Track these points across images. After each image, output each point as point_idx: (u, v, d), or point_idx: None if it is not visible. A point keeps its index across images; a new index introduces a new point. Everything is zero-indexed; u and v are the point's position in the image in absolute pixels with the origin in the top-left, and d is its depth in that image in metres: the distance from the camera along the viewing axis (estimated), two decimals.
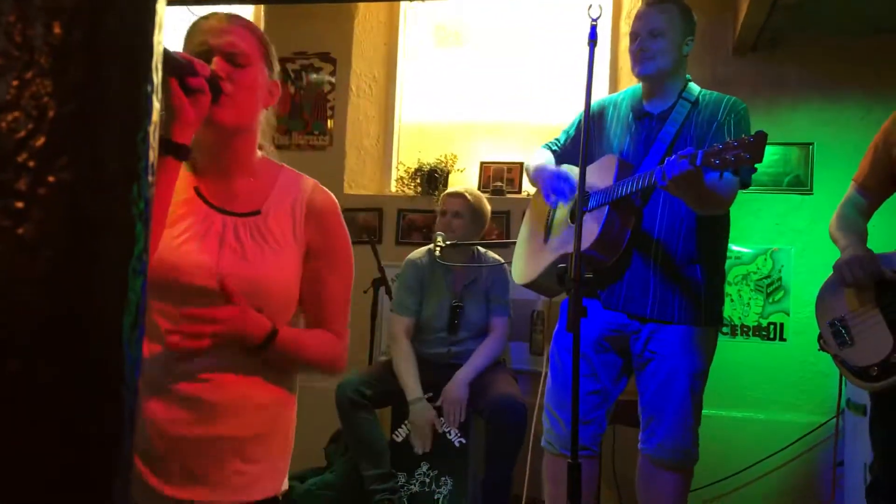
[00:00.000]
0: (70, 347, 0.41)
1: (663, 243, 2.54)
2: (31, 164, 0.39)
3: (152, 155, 0.45)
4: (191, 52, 1.52)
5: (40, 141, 0.39)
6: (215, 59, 1.50)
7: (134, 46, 0.43)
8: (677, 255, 2.54)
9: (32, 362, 0.39)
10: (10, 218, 0.38)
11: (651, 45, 2.55)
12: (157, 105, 0.45)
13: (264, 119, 1.65)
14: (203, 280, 1.50)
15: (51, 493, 0.40)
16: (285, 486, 1.66)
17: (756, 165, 2.12)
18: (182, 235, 1.52)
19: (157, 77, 0.45)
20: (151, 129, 0.45)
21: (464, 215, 3.61)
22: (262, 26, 4.70)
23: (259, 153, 1.66)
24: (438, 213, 3.71)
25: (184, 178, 1.55)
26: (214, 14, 1.56)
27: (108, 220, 0.42)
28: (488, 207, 3.74)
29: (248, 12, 4.86)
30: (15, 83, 0.39)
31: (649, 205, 2.57)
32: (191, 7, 4.33)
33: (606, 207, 2.48)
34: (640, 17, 2.62)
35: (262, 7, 4.79)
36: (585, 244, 2.45)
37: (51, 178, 0.39)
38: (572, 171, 2.69)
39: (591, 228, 2.49)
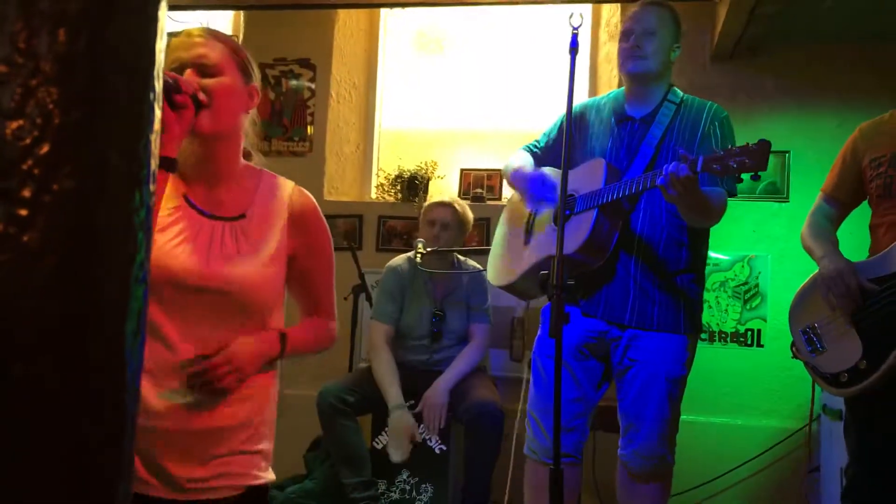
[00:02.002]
0: (73, 354, 0.41)
1: (644, 251, 2.54)
2: (36, 171, 0.39)
3: (154, 163, 0.46)
4: (169, 69, 1.59)
5: (45, 149, 0.39)
6: (187, 72, 1.58)
7: (137, 54, 0.43)
8: (657, 262, 2.54)
9: (36, 368, 0.39)
10: (15, 225, 0.38)
11: (645, 44, 2.54)
12: (158, 113, 0.46)
13: (248, 123, 1.74)
14: (195, 280, 1.59)
15: (53, 498, 0.40)
16: (271, 474, 1.75)
17: (743, 175, 2.13)
18: (175, 239, 1.61)
19: (159, 85, 0.45)
20: (153, 136, 0.45)
21: (452, 226, 3.63)
22: (241, 32, 4.69)
23: (243, 161, 1.75)
24: (424, 222, 3.69)
25: (174, 185, 1.66)
26: (185, 30, 1.66)
27: (112, 228, 0.42)
28: (471, 216, 3.76)
29: (228, 18, 4.85)
30: (19, 91, 0.39)
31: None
32: (171, 14, 4.32)
33: (595, 210, 2.46)
34: (635, 16, 2.60)
35: (241, 13, 4.77)
36: (573, 247, 2.45)
37: (55, 186, 0.39)
38: (554, 173, 2.68)
39: (580, 231, 2.48)
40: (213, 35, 1.64)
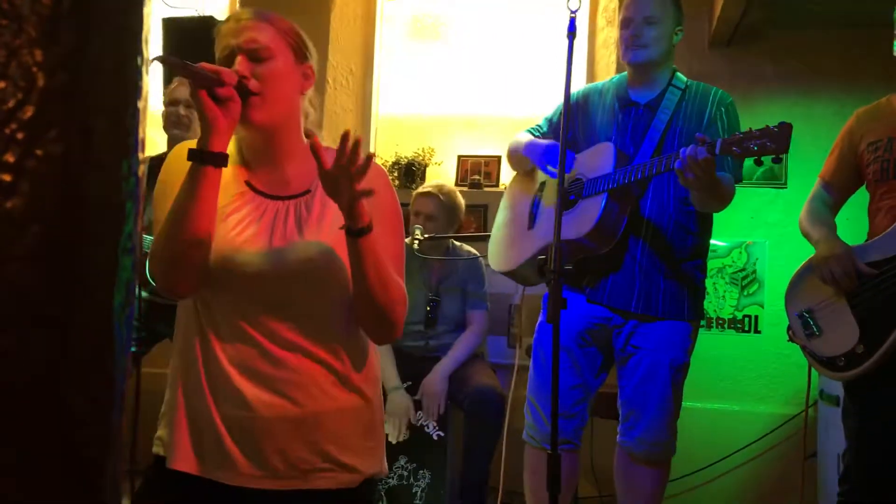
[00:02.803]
0: (60, 324, 0.40)
1: (651, 237, 2.53)
2: (20, 136, 0.38)
3: (142, 131, 0.44)
4: (218, 56, 1.56)
5: (29, 112, 0.38)
6: (238, 59, 1.52)
7: (124, 18, 0.42)
8: (664, 249, 2.53)
9: (23, 338, 0.38)
10: None
11: (645, 33, 2.52)
12: (146, 79, 0.44)
13: (307, 103, 1.68)
14: (257, 266, 1.54)
15: (36, 471, 0.39)
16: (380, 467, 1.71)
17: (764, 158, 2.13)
18: (237, 227, 1.56)
19: (147, 51, 0.44)
20: (141, 103, 0.44)
21: (437, 216, 3.58)
22: None
23: (306, 140, 1.67)
24: (412, 213, 3.66)
25: (237, 174, 1.62)
26: (234, 14, 1.60)
27: (99, 196, 0.41)
28: (461, 201, 3.69)
29: (224, 4, 4.82)
30: (3, 52, 0.37)
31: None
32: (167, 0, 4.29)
33: (605, 195, 2.43)
34: (634, 3, 2.57)
35: (237, 0, 4.75)
36: (582, 231, 2.43)
37: (39, 152, 0.38)
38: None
39: (589, 215, 2.45)
40: (261, 17, 1.58)
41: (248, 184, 1.62)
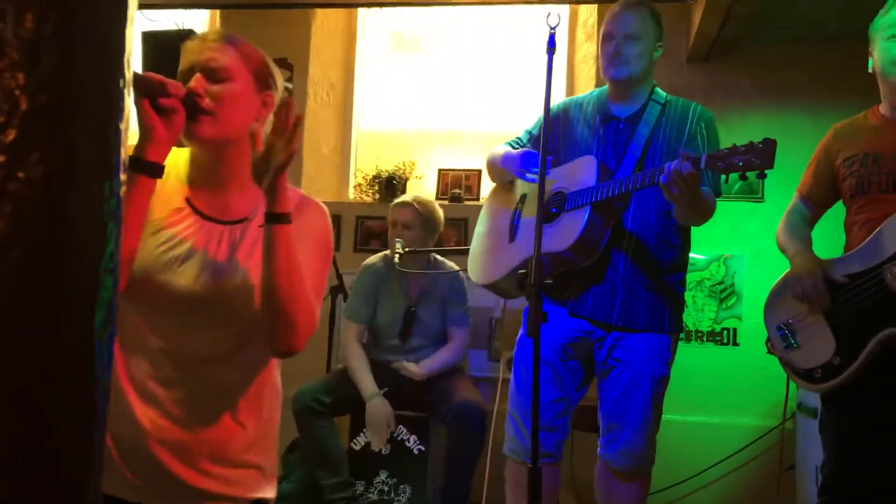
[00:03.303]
0: (42, 345, 0.40)
1: (633, 251, 2.54)
2: (2, 158, 0.38)
3: (123, 152, 0.45)
4: (179, 70, 1.56)
5: (11, 135, 0.38)
6: (195, 76, 1.52)
7: (106, 40, 0.43)
8: (646, 263, 2.55)
9: (4, 358, 0.38)
10: None
11: (627, 50, 2.54)
12: (128, 101, 0.45)
13: (264, 131, 1.64)
14: (183, 287, 1.53)
15: (18, 491, 0.39)
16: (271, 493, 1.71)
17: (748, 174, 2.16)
18: (167, 243, 1.55)
19: (129, 72, 0.45)
20: (123, 125, 0.44)
21: (413, 226, 3.57)
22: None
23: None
24: (389, 223, 3.67)
25: (179, 190, 1.61)
26: (202, 34, 1.61)
27: (81, 217, 0.41)
28: (440, 213, 3.70)
29: (204, 17, 4.82)
30: None
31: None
32: (146, 13, 4.28)
33: (588, 208, 2.45)
34: (615, 19, 2.59)
35: (217, 12, 4.74)
36: (564, 244, 2.44)
37: (21, 174, 0.38)
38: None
39: (572, 229, 2.46)
40: (227, 40, 1.58)
41: (188, 201, 1.61)
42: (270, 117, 1.64)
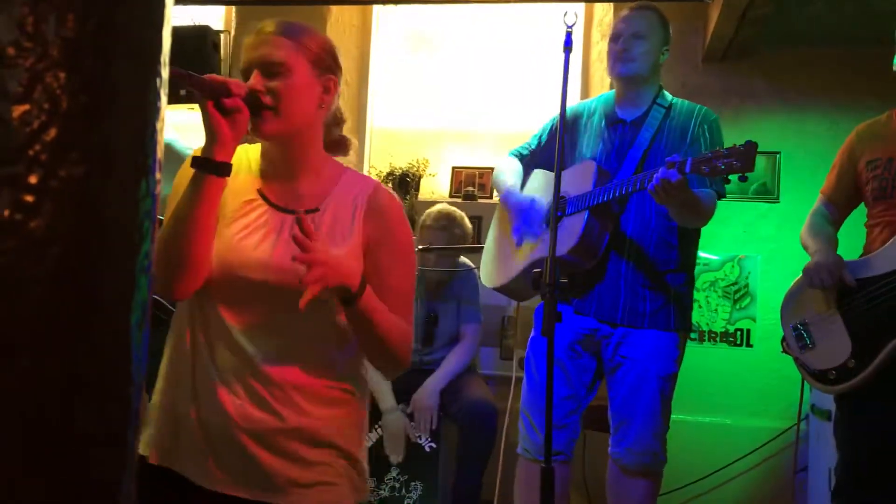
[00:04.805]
0: (77, 346, 0.40)
1: (634, 252, 2.57)
2: (43, 157, 0.38)
3: (160, 151, 0.45)
4: (242, 69, 1.59)
5: (52, 134, 0.38)
6: (253, 74, 1.55)
7: (144, 40, 0.43)
8: (647, 263, 2.57)
9: (39, 360, 0.38)
10: (22, 212, 0.37)
11: (634, 47, 2.59)
12: (164, 101, 0.45)
13: (329, 116, 1.69)
14: (258, 275, 1.55)
15: (55, 494, 0.40)
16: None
17: (731, 177, 2.16)
18: (240, 232, 1.58)
19: (165, 72, 0.45)
20: (159, 124, 0.44)
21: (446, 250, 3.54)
22: (232, 29, 4.65)
23: (326, 156, 1.70)
24: (420, 239, 3.51)
25: (251, 183, 1.64)
26: (257, 27, 1.62)
27: (118, 216, 0.41)
28: (469, 227, 3.64)
29: (220, 13, 4.82)
30: (27, 75, 0.38)
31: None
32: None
33: (586, 212, 2.49)
34: (624, 20, 2.65)
35: (232, 9, 4.74)
36: (565, 248, 2.47)
37: (62, 173, 0.38)
38: (545, 181, 2.70)
39: (572, 233, 2.50)
40: (282, 31, 1.59)
41: (259, 192, 1.64)
42: (338, 101, 1.68)
